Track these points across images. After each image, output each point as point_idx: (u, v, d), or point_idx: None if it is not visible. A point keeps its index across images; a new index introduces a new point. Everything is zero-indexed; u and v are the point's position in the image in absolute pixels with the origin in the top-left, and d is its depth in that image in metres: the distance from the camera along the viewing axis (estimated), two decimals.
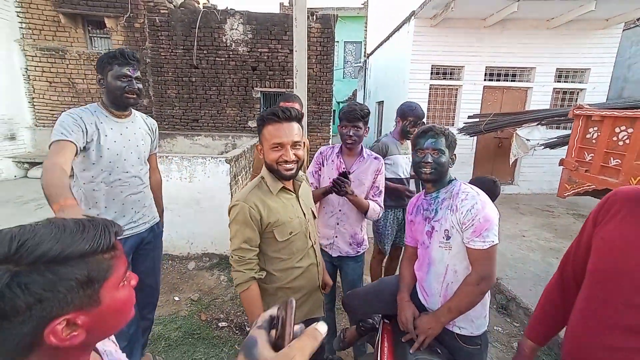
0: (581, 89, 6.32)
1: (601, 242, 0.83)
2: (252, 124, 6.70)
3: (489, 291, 1.33)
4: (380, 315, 1.65)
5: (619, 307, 0.76)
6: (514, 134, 5.38)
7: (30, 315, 0.43)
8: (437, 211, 1.31)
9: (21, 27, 6.13)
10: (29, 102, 6.38)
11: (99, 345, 0.65)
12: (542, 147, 5.27)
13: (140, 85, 1.58)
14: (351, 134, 1.75)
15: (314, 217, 1.46)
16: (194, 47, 6.35)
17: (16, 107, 6.13)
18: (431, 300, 1.35)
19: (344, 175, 1.62)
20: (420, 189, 2.52)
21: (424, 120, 2.40)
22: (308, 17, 6.22)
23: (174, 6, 6.44)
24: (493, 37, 5.97)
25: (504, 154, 6.11)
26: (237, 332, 2.41)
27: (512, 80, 6.32)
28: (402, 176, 2.43)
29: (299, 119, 1.23)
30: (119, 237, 0.55)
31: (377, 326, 1.65)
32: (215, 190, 3.25)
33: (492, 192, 2.05)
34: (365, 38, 15.08)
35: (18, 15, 6.07)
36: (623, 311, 0.75)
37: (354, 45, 15.70)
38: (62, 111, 1.50)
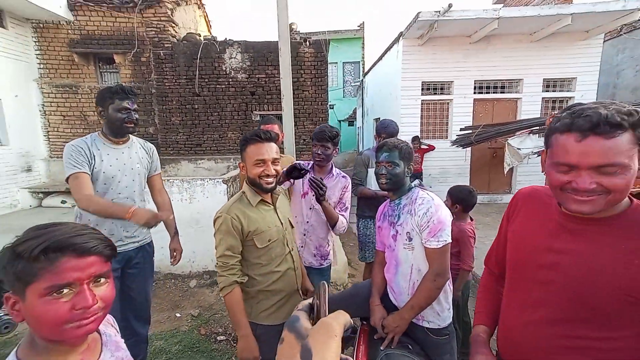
0: (570, 97, 6.47)
1: (512, 235, 0.98)
2: None
3: (449, 287, 1.46)
4: (359, 318, 1.77)
5: (528, 287, 0.89)
6: (506, 144, 5.51)
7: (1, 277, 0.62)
8: (399, 216, 1.46)
9: (39, 68, 6.64)
10: (44, 135, 6.81)
11: (101, 327, 0.80)
12: (536, 155, 5.38)
13: (137, 116, 1.80)
14: (319, 152, 1.92)
15: (292, 226, 1.62)
16: (196, 76, 6.76)
17: (32, 140, 6.55)
18: (400, 298, 1.47)
19: (319, 184, 1.71)
20: None
21: (399, 135, 2.50)
22: (301, 43, 6.61)
23: (177, 40, 6.92)
24: (479, 52, 6.23)
25: (499, 163, 6.22)
26: (234, 344, 2.52)
27: (501, 92, 6.52)
28: (373, 188, 2.55)
29: (275, 140, 1.45)
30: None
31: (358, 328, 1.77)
32: (214, 209, 3.41)
33: (468, 201, 2.20)
34: (363, 58, 15.67)
35: (37, 57, 6.60)
36: (530, 289, 0.88)
37: (353, 65, 16.24)
38: None
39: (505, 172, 5.82)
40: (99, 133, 1.80)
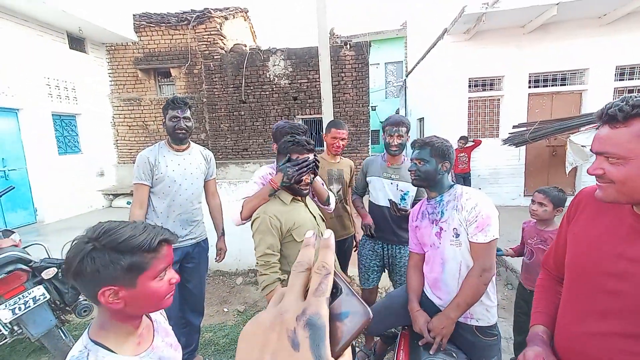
0: None
1: (573, 238, 0.90)
2: None
3: (494, 282, 1.39)
4: None
5: (592, 295, 0.81)
6: (568, 141, 4.97)
7: (92, 278, 0.70)
8: (443, 213, 1.41)
9: (110, 84, 7.55)
10: (114, 144, 7.70)
11: (151, 314, 0.92)
12: None
13: (189, 123, 1.96)
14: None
15: (323, 220, 1.67)
16: (242, 84, 7.15)
17: (105, 149, 7.46)
18: (448, 298, 1.41)
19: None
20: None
21: (403, 129, 2.04)
22: (342, 47, 6.65)
23: (225, 51, 7.39)
24: (534, 42, 5.72)
25: (559, 163, 5.63)
26: None
27: (562, 85, 5.91)
28: (381, 203, 2.09)
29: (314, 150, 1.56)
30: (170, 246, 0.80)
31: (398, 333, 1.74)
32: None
33: (560, 199, 1.94)
34: (406, 57, 15.26)
35: (109, 75, 7.52)
36: (595, 298, 0.80)
37: (395, 65, 15.91)
38: (138, 150, 1.97)
39: (568, 173, 5.24)
40: (165, 141, 2.01)
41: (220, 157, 7.43)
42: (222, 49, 7.37)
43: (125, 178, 7.41)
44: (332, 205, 1.91)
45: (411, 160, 1.48)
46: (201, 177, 2.09)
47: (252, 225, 1.49)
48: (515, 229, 4.57)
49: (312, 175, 1.55)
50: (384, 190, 2.09)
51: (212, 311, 3.06)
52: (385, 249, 2.17)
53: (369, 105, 6.96)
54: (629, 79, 5.76)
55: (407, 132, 2.05)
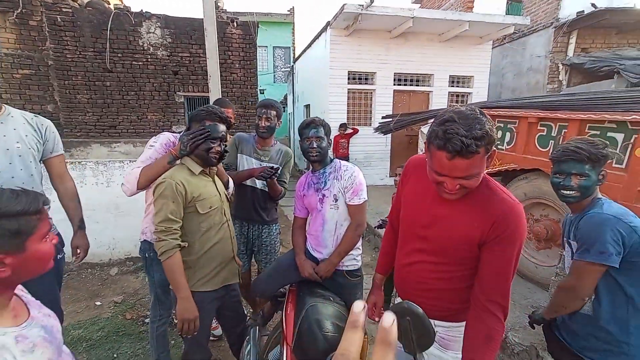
0: (469, 93, 7.61)
1: (404, 199, 1.25)
2: (177, 128, 6.56)
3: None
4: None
5: (412, 240, 1.18)
6: (419, 131, 6.26)
7: None
8: (325, 182, 1.71)
9: None
10: None
11: (17, 291, 0.83)
12: None
13: None
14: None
15: (228, 200, 1.72)
16: (107, 49, 6.01)
17: None
18: (326, 251, 1.73)
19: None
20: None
21: (271, 110, 2.06)
22: (229, 24, 6.38)
23: (79, 5, 6.01)
24: (398, 47, 6.86)
25: (415, 149, 7.03)
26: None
27: (416, 85, 7.32)
28: (247, 183, 2.13)
29: (229, 124, 1.61)
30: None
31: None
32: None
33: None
34: (293, 43, 15.65)
35: None
36: (414, 241, 1.17)
37: (283, 50, 16.12)
38: None
39: None
40: None
41: (78, 134, 6.12)
42: (75, 1, 5.96)
43: None
44: (231, 189, 1.90)
45: (308, 138, 1.68)
46: (29, 154, 1.55)
47: (154, 190, 1.40)
48: (382, 204, 5.52)
49: (224, 145, 1.55)
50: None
51: (79, 307, 2.66)
52: (250, 229, 2.22)
53: (257, 87, 6.95)
54: (456, 86, 7.60)
55: (277, 117, 2.09)
